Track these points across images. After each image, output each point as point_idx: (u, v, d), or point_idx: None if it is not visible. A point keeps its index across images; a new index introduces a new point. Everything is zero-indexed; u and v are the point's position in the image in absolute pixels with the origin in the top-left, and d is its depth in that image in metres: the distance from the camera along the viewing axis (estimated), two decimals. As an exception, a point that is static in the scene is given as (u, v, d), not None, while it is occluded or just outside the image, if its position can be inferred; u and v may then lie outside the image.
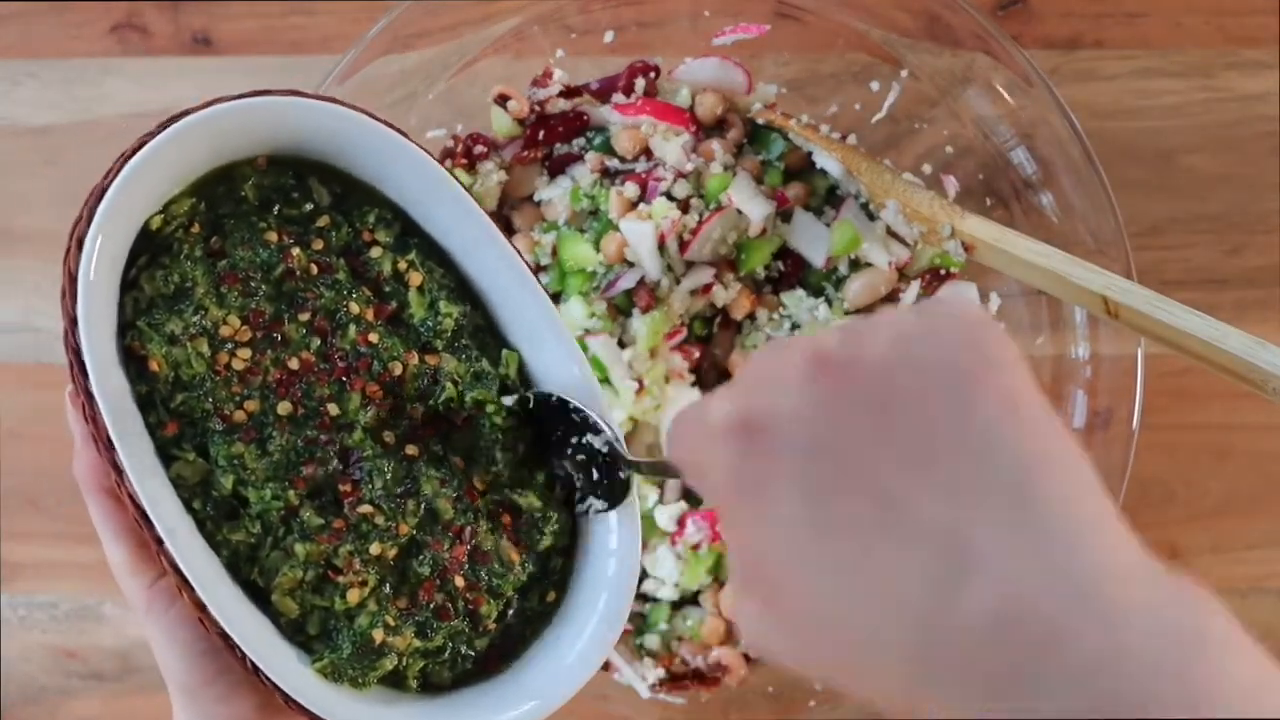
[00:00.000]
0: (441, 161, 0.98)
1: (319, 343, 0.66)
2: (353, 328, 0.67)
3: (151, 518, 0.60)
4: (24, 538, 1.02)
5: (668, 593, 0.96)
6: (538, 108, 0.98)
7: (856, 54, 0.97)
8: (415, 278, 0.68)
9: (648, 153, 0.97)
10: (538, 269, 0.97)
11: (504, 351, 0.69)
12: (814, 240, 0.97)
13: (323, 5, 1.04)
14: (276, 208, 0.68)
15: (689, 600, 0.98)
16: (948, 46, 0.95)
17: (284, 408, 0.65)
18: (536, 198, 0.99)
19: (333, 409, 0.66)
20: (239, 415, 0.65)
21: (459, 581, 0.67)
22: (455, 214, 0.68)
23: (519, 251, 0.69)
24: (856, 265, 0.97)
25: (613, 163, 0.98)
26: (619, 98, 0.98)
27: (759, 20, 0.97)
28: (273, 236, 0.66)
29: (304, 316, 0.66)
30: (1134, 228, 0.99)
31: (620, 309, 0.94)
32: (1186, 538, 1.03)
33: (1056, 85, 0.93)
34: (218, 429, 0.64)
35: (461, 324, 0.69)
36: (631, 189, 0.95)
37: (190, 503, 0.64)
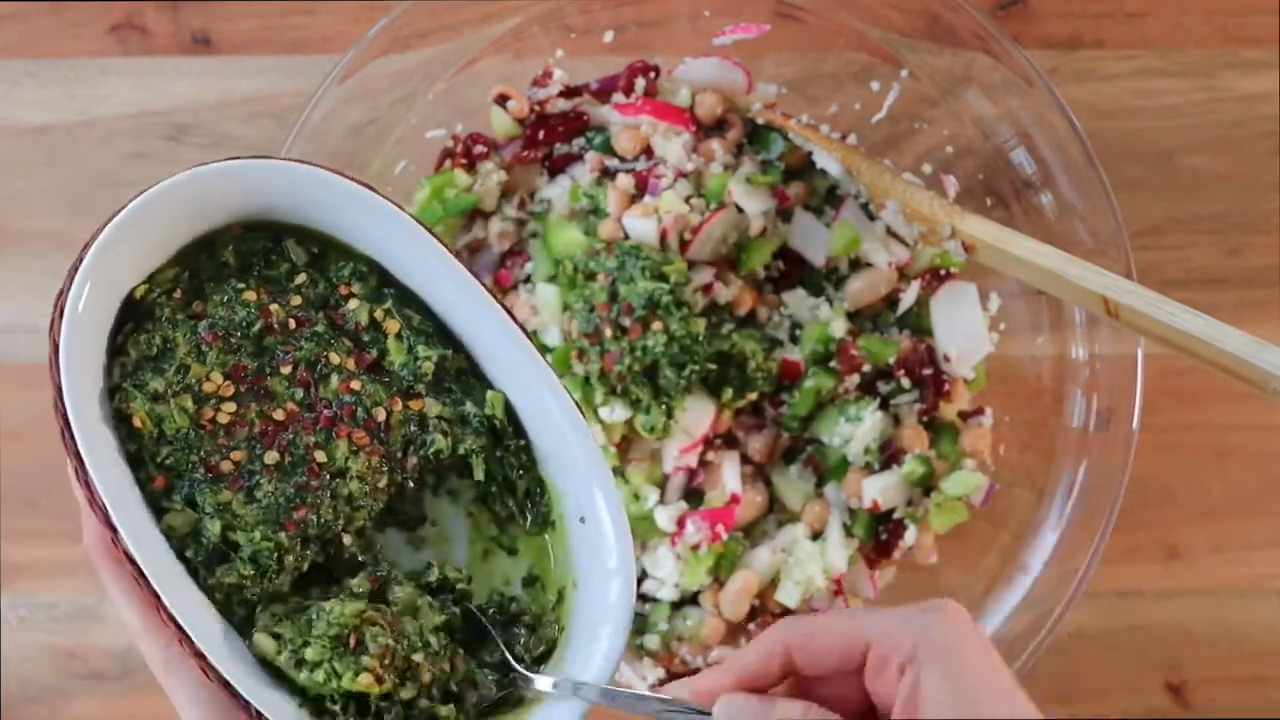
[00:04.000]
0: (441, 161, 0.99)
1: (303, 393, 0.69)
2: (335, 377, 0.69)
3: (147, 575, 0.62)
4: (24, 538, 1.02)
5: (668, 593, 0.96)
6: (538, 108, 0.98)
7: (856, 54, 0.97)
8: (392, 325, 0.70)
9: (648, 152, 0.97)
10: (526, 258, 0.98)
11: (489, 393, 0.71)
12: (814, 240, 0.97)
13: (323, 5, 1.04)
14: (256, 270, 0.70)
15: (689, 600, 0.98)
16: (948, 46, 0.95)
17: (271, 457, 0.67)
18: (537, 197, 0.99)
19: (320, 456, 0.68)
20: (225, 465, 0.67)
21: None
22: (428, 263, 0.70)
23: (494, 293, 0.71)
24: (856, 265, 0.97)
25: (613, 162, 0.98)
26: (619, 98, 0.98)
27: (759, 20, 0.96)
28: (251, 296, 0.69)
29: (286, 369, 0.69)
30: (1134, 228, 0.99)
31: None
32: (1186, 538, 1.03)
33: (1056, 85, 0.93)
34: (202, 479, 0.66)
35: (443, 367, 0.71)
36: (625, 180, 0.95)
37: (182, 552, 0.66)
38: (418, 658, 0.65)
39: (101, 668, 1.02)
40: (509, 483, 0.72)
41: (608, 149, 0.98)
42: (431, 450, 0.70)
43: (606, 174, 0.97)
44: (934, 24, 0.94)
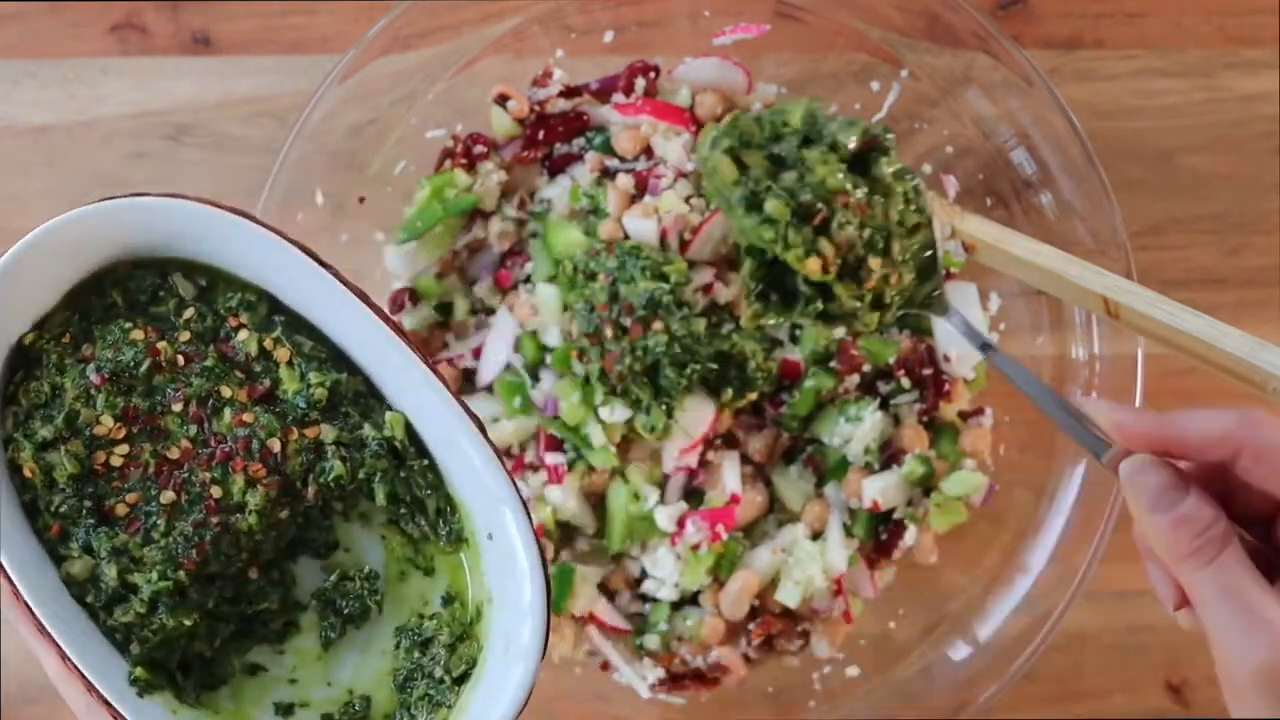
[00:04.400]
0: (441, 161, 0.99)
1: (196, 429, 0.68)
2: (228, 411, 0.69)
3: (49, 630, 0.63)
4: (23, 538, 1.02)
5: (668, 593, 0.96)
6: (538, 108, 0.98)
7: (856, 54, 0.97)
8: (283, 354, 0.70)
9: (648, 152, 0.97)
10: (526, 258, 0.98)
11: (387, 414, 0.70)
12: (814, 240, 0.97)
13: (323, 5, 1.04)
14: (143, 307, 0.70)
15: (689, 600, 0.98)
16: (948, 46, 0.95)
17: (166, 496, 0.67)
18: (537, 197, 0.99)
19: (216, 491, 0.67)
20: (120, 508, 0.67)
21: None
22: (313, 288, 0.69)
23: (383, 313, 0.70)
24: (856, 265, 0.97)
25: (613, 163, 0.98)
26: (619, 98, 0.98)
27: (759, 20, 0.97)
28: (139, 335, 0.68)
29: (178, 407, 0.68)
30: (1134, 228, 0.99)
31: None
32: (1186, 538, 1.03)
33: (1056, 85, 0.93)
34: (96, 524, 0.66)
35: (338, 391, 0.70)
36: (625, 180, 0.95)
37: (83, 598, 0.66)
38: None
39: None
40: (418, 501, 0.71)
41: (608, 149, 0.98)
42: (331, 477, 0.69)
43: (606, 174, 0.97)
44: (934, 24, 0.94)
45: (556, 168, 0.99)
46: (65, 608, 0.65)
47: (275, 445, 0.68)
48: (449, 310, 1.00)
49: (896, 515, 0.97)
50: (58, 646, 0.63)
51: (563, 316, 0.95)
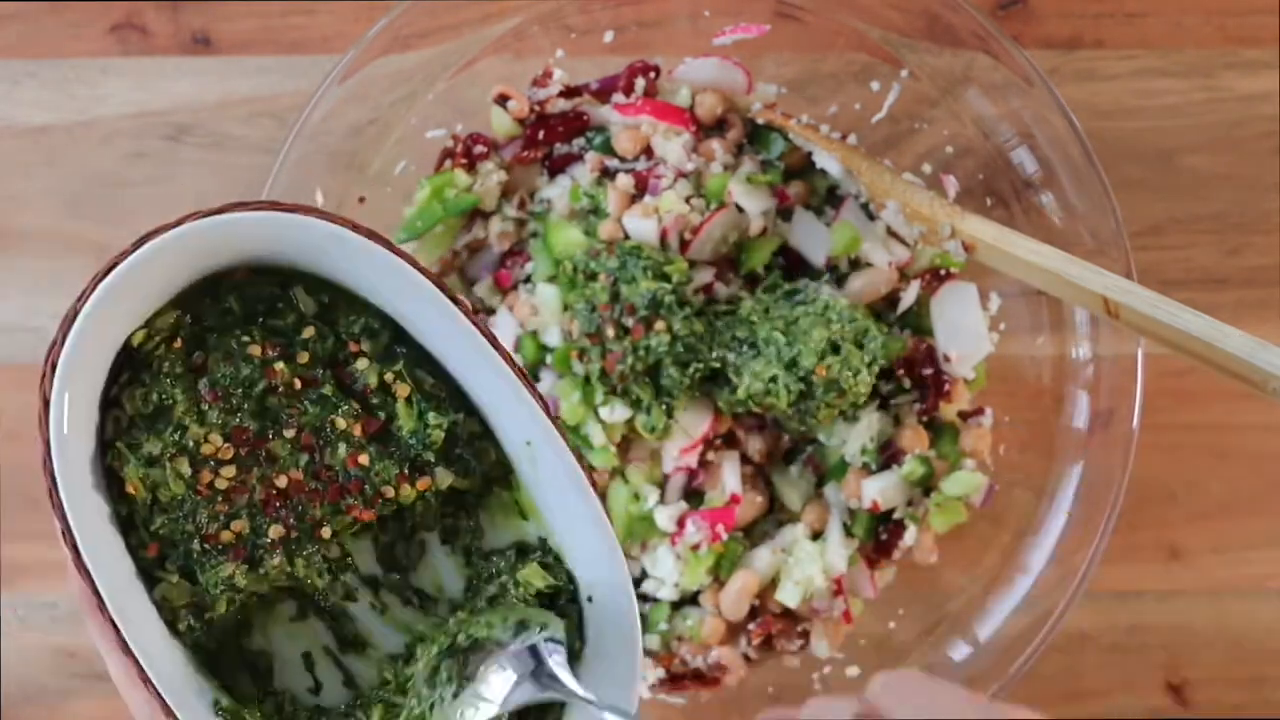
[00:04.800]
0: (441, 161, 0.99)
1: (307, 460, 0.65)
2: (342, 445, 0.65)
3: (134, 653, 0.60)
4: (24, 538, 1.02)
5: (668, 593, 0.96)
6: (538, 108, 0.98)
7: (856, 54, 0.97)
8: (402, 389, 0.66)
9: (648, 152, 0.97)
10: (526, 258, 0.98)
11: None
12: (814, 240, 0.97)
13: (323, 5, 1.04)
14: (261, 319, 0.66)
15: (689, 600, 0.98)
16: (948, 46, 0.95)
17: (276, 530, 0.64)
18: (537, 197, 0.99)
19: (325, 532, 0.65)
20: (226, 535, 0.64)
21: None
22: (441, 323, 0.66)
23: (510, 357, 0.67)
24: (856, 265, 0.97)
25: (613, 163, 0.98)
26: (619, 98, 0.98)
27: (759, 20, 0.96)
28: (256, 350, 0.65)
29: (290, 433, 0.65)
30: (1134, 228, 0.99)
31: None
32: (1186, 538, 1.03)
33: (1056, 85, 0.93)
34: (200, 550, 0.64)
35: (455, 434, 0.67)
36: (625, 180, 0.95)
37: (175, 624, 0.63)
38: None
39: (101, 668, 1.02)
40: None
41: (608, 149, 0.98)
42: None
43: (606, 174, 0.97)
44: (934, 24, 0.94)
45: (556, 168, 0.99)
46: (152, 633, 0.62)
47: (389, 492, 0.65)
48: (449, 310, 1.00)
49: (896, 515, 0.97)
50: (139, 668, 0.60)
51: (563, 316, 0.94)
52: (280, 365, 0.65)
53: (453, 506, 0.70)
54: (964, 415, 0.99)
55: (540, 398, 0.66)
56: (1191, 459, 1.03)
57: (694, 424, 0.94)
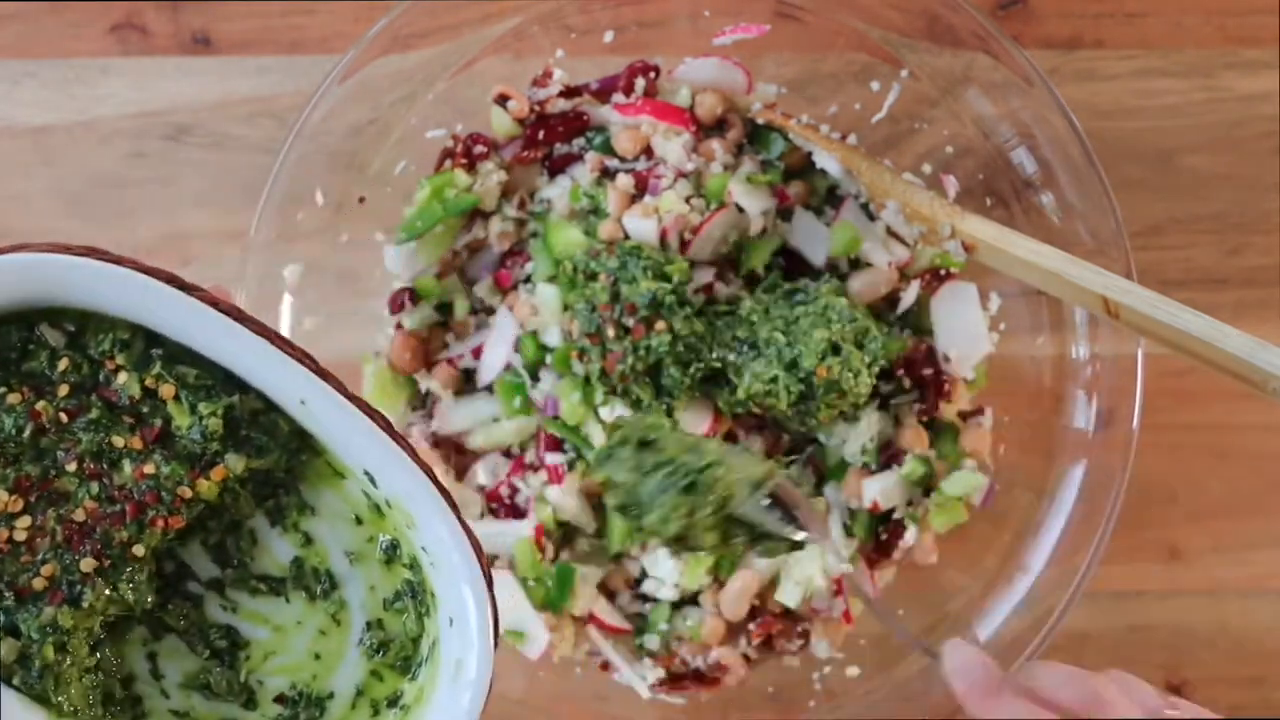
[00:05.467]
0: (441, 161, 0.99)
1: (98, 487, 0.65)
2: (126, 463, 0.65)
3: None
4: (23, 538, 1.02)
5: (668, 593, 0.96)
6: (538, 108, 0.98)
7: (856, 54, 0.97)
8: (167, 390, 0.65)
9: (648, 152, 0.97)
10: (526, 258, 0.98)
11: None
12: (814, 239, 0.97)
13: (323, 5, 1.04)
14: (14, 365, 0.66)
15: (689, 600, 0.98)
16: (948, 46, 0.95)
17: (88, 564, 0.64)
18: (537, 197, 0.99)
19: (139, 550, 0.65)
20: (38, 583, 0.63)
21: None
22: (176, 311, 0.64)
23: (250, 320, 0.65)
24: (856, 265, 0.97)
25: (613, 163, 0.98)
26: (619, 98, 0.98)
27: (759, 20, 0.96)
28: (16, 399, 0.64)
29: (71, 466, 0.64)
30: (1134, 228, 0.99)
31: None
32: (1186, 538, 1.03)
33: (1056, 85, 0.93)
34: (14, 603, 0.63)
35: (235, 416, 0.66)
36: (625, 180, 0.95)
37: (10, 680, 0.63)
38: None
39: None
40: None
41: (608, 149, 0.98)
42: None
43: (606, 174, 0.97)
44: (934, 24, 0.94)
45: (556, 168, 0.99)
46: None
47: (187, 493, 0.65)
48: (449, 310, 1.00)
49: (896, 515, 0.97)
50: None
51: (563, 316, 0.94)
52: (42, 404, 0.64)
53: (269, 488, 0.69)
54: (964, 415, 0.99)
55: (302, 353, 0.65)
56: (1191, 459, 1.03)
57: (694, 424, 0.94)
